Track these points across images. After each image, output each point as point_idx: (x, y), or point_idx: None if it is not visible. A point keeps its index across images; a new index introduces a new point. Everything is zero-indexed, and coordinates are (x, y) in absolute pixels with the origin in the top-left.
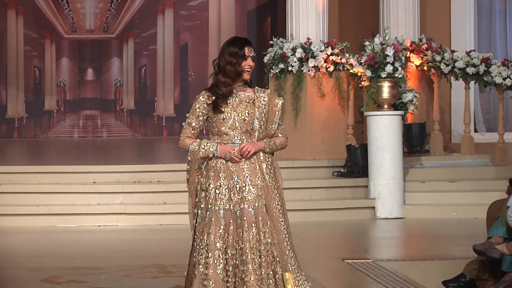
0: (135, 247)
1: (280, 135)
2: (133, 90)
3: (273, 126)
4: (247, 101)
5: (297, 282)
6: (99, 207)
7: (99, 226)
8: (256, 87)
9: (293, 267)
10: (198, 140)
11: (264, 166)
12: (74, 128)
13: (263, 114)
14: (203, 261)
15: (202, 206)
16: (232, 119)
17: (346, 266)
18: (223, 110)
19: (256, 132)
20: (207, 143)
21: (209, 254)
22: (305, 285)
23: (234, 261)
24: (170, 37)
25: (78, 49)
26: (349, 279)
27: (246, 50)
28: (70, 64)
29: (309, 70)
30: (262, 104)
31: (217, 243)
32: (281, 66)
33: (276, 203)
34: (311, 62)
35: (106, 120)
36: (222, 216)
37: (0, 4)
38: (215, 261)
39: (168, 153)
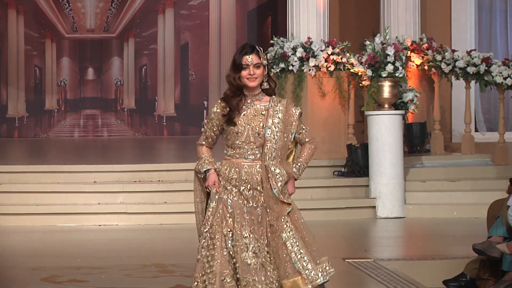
0: (136, 247)
1: (307, 139)
2: (134, 90)
3: (290, 136)
4: (262, 113)
5: (310, 277)
6: (100, 207)
7: (100, 225)
8: (273, 96)
9: (302, 265)
10: (205, 156)
11: (273, 181)
12: (75, 127)
13: (276, 123)
14: (208, 242)
15: (210, 197)
16: (246, 133)
17: (346, 265)
18: (236, 123)
19: (268, 142)
20: (205, 163)
21: (217, 236)
22: (318, 280)
23: (237, 249)
24: (170, 36)
25: (78, 49)
26: (349, 278)
27: (244, 59)
28: (71, 64)
29: (309, 70)
30: (276, 113)
31: (224, 228)
32: (282, 65)
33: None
34: (312, 62)
35: (107, 120)
36: (229, 204)
37: (0, 3)
38: (222, 243)
39: (168, 153)
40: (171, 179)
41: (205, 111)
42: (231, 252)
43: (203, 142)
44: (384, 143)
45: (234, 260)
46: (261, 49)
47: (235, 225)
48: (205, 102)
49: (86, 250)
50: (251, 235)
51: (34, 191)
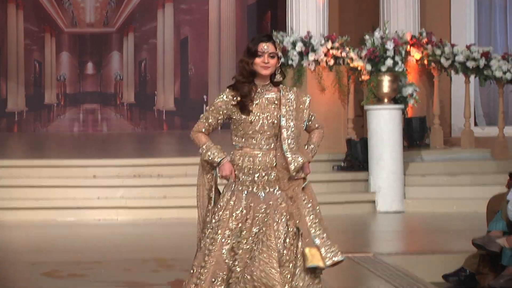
0: (135, 241)
1: (316, 125)
2: (133, 84)
3: (302, 125)
4: (275, 102)
5: (329, 254)
6: (99, 201)
7: (99, 220)
8: (281, 85)
9: (321, 241)
10: (209, 143)
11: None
12: (74, 122)
13: (290, 112)
14: (211, 236)
15: (226, 187)
16: (260, 122)
17: (346, 260)
18: (251, 111)
19: (285, 131)
20: (216, 152)
21: (219, 231)
22: (337, 257)
23: (248, 246)
24: (170, 31)
25: (78, 43)
26: (349, 273)
27: (260, 46)
28: (70, 58)
29: (309, 64)
30: (288, 102)
31: (231, 222)
32: (281, 60)
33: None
34: (311, 56)
35: (106, 114)
36: (244, 197)
37: None
38: (223, 240)
39: (168, 147)
40: (171, 174)
41: (204, 106)
42: (234, 248)
43: (203, 130)
44: (384, 138)
45: (235, 257)
46: (277, 41)
47: (247, 219)
48: (205, 97)
49: (86, 245)
50: (259, 235)
51: (33, 185)
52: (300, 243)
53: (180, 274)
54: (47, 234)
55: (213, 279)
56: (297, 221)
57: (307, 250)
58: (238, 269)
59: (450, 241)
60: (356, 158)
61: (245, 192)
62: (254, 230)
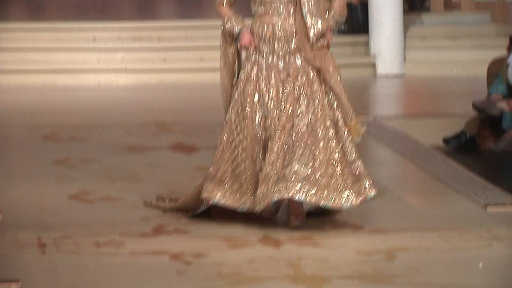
0: (135, 104)
1: None
2: None
3: None
4: None
5: (359, 126)
6: (99, 64)
7: (99, 83)
8: None
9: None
10: (230, 14)
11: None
12: None
13: None
14: (240, 111)
15: (246, 58)
16: None
17: None
18: None
19: None
20: (236, 21)
21: (247, 105)
22: (363, 129)
23: (274, 115)
24: None
25: None
26: None
27: None
28: None
29: None
30: None
31: (256, 95)
32: None
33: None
34: None
35: None
36: (264, 68)
37: None
38: (251, 114)
39: (168, 11)
40: (171, 37)
41: None
42: (265, 121)
43: (225, 1)
44: (384, 1)
45: (267, 132)
46: None
47: (271, 90)
48: None
49: (86, 108)
50: (285, 104)
51: (33, 48)
52: (337, 113)
53: (180, 137)
54: (47, 97)
55: (253, 155)
56: (328, 88)
57: (351, 123)
58: (273, 142)
59: (450, 104)
60: (356, 21)
61: (265, 63)
62: (280, 100)
